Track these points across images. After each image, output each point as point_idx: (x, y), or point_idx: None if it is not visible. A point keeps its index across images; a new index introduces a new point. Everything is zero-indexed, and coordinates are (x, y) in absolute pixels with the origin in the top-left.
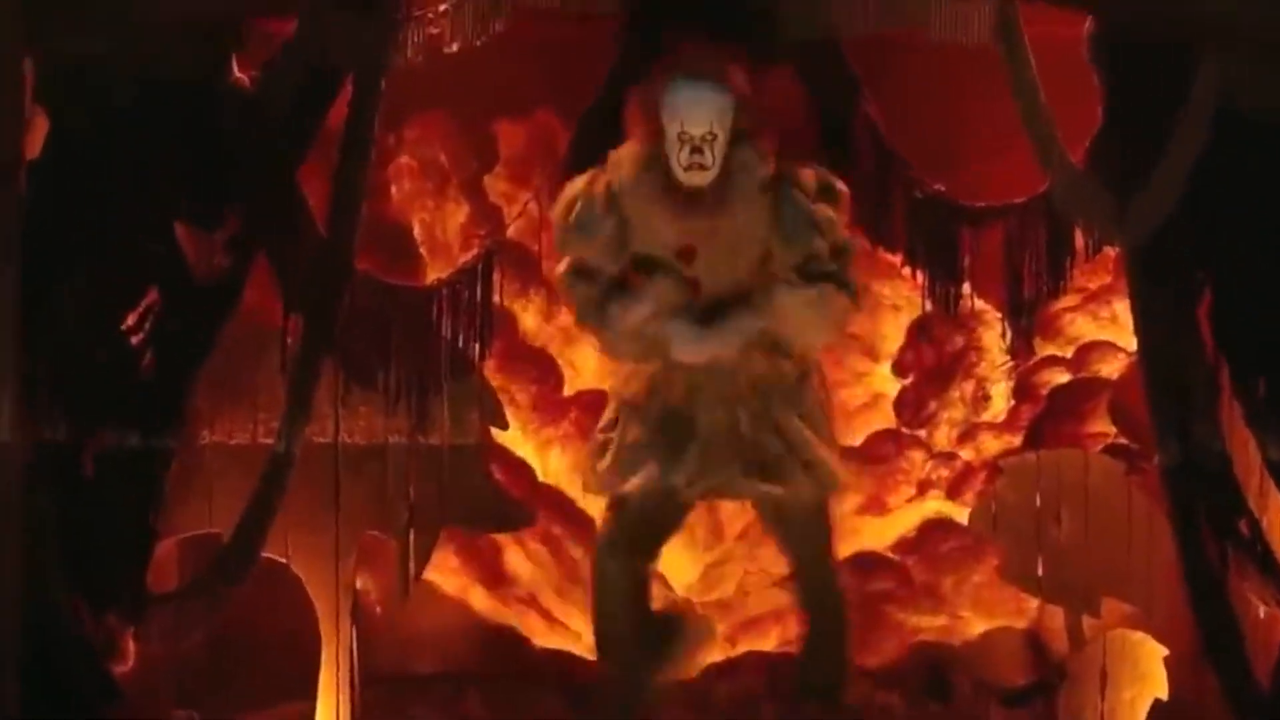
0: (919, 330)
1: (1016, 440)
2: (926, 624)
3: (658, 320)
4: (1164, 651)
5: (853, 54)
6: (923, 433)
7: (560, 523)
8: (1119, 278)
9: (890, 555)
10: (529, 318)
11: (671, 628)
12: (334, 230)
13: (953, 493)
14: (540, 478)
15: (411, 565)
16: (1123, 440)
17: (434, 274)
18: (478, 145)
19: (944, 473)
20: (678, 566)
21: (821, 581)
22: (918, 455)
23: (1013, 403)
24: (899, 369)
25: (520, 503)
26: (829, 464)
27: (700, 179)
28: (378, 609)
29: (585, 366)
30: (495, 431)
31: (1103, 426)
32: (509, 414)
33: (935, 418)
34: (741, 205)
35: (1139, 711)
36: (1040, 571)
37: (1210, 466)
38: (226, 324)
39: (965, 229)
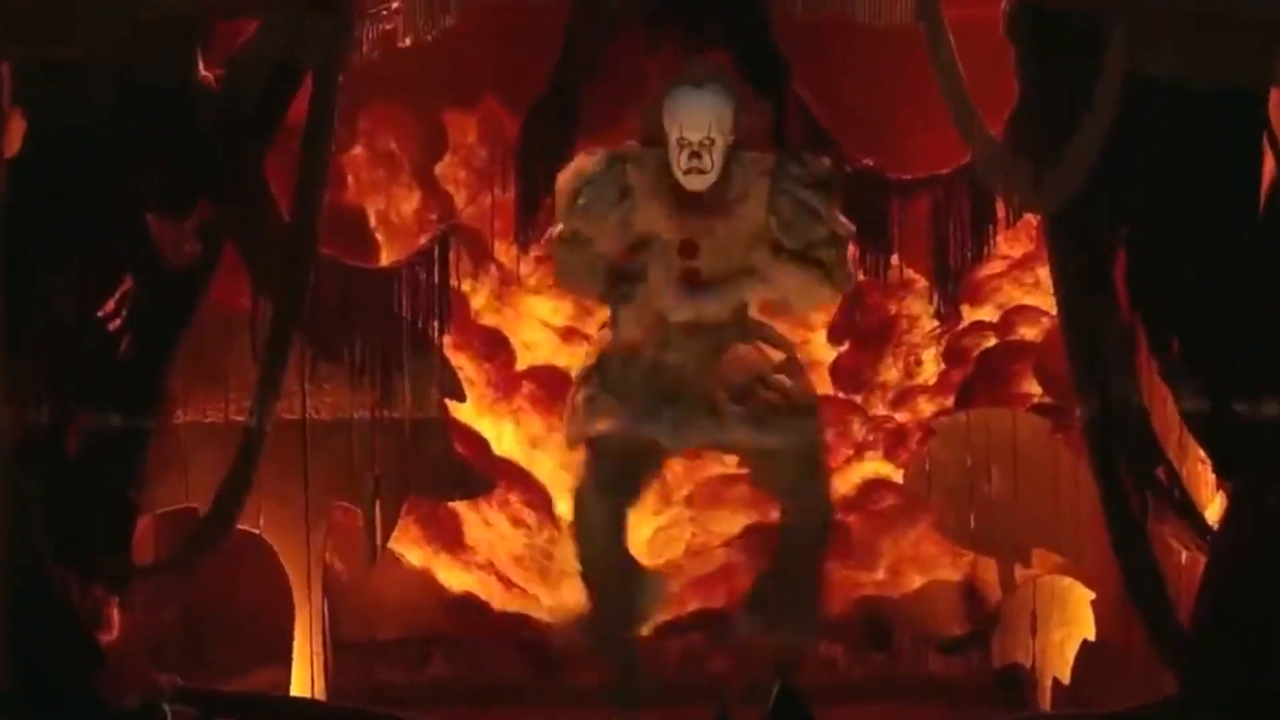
0: (852, 299)
1: (948, 402)
2: (866, 579)
3: (653, 289)
4: (1091, 595)
5: (783, 37)
6: (859, 397)
7: (516, 492)
8: (1040, 245)
9: None
10: (481, 297)
11: (648, 570)
12: (298, 217)
13: (889, 454)
14: (495, 450)
15: (378, 534)
16: (1048, 400)
17: (390, 257)
18: (427, 134)
19: (880, 435)
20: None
21: (819, 521)
22: (855, 419)
23: (943, 366)
24: (834, 337)
25: (480, 470)
26: (813, 407)
27: (699, 183)
28: (345, 578)
29: (536, 344)
30: (452, 406)
31: (1029, 387)
32: (466, 390)
33: (870, 383)
34: (740, 202)
35: (1068, 652)
36: (973, 525)
37: (1129, 419)
38: (198, 308)
39: (894, 200)
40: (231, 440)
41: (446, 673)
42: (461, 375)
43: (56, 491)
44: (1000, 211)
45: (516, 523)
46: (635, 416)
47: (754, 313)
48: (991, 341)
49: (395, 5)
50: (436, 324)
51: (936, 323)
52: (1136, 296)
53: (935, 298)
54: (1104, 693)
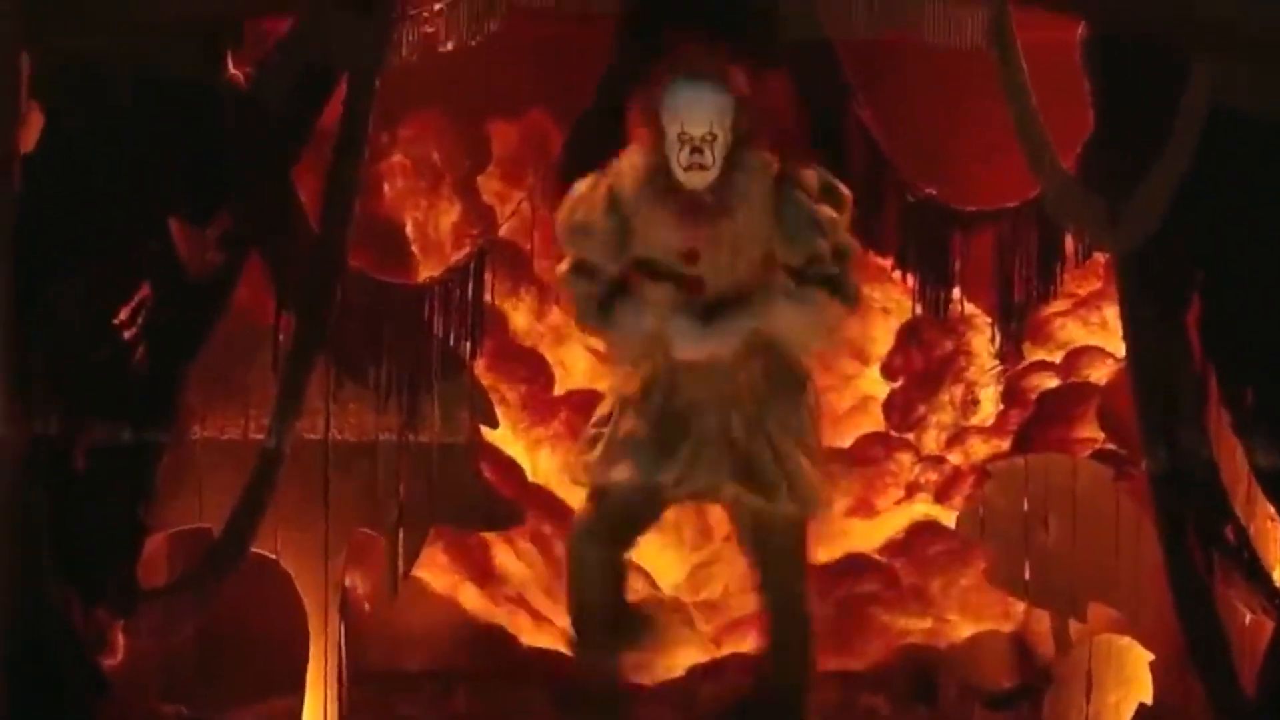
0: (909, 334)
1: (1005, 444)
2: (913, 626)
3: (658, 318)
4: (1150, 656)
5: (846, 57)
6: (911, 436)
7: (549, 522)
8: (1109, 283)
9: (878, 557)
10: (520, 317)
11: (644, 619)
12: (327, 227)
13: (941, 496)
14: (530, 477)
15: (400, 563)
16: (1111, 446)
17: (426, 272)
18: (471, 145)
19: (932, 476)
20: (665, 567)
21: (789, 600)
22: (906, 458)
23: (1001, 407)
24: (888, 372)
25: (510, 501)
26: (813, 484)
27: (700, 180)
28: (366, 606)
29: (576, 366)
30: (485, 430)
31: (1091, 432)
32: (499, 413)
33: (924, 421)
34: (743, 207)
35: (1124, 715)
36: (1027, 575)
37: (1197, 473)
38: (219, 320)
39: (956, 233)
40: (249, 459)
41: (470, 710)
42: (497, 398)
43: (62, 508)
44: (1069, 248)
45: (549, 554)
46: (646, 465)
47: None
48: (1053, 383)
49: (437, 8)
50: (469, 344)
51: (996, 361)
52: (1210, 344)
53: (996, 335)
54: None
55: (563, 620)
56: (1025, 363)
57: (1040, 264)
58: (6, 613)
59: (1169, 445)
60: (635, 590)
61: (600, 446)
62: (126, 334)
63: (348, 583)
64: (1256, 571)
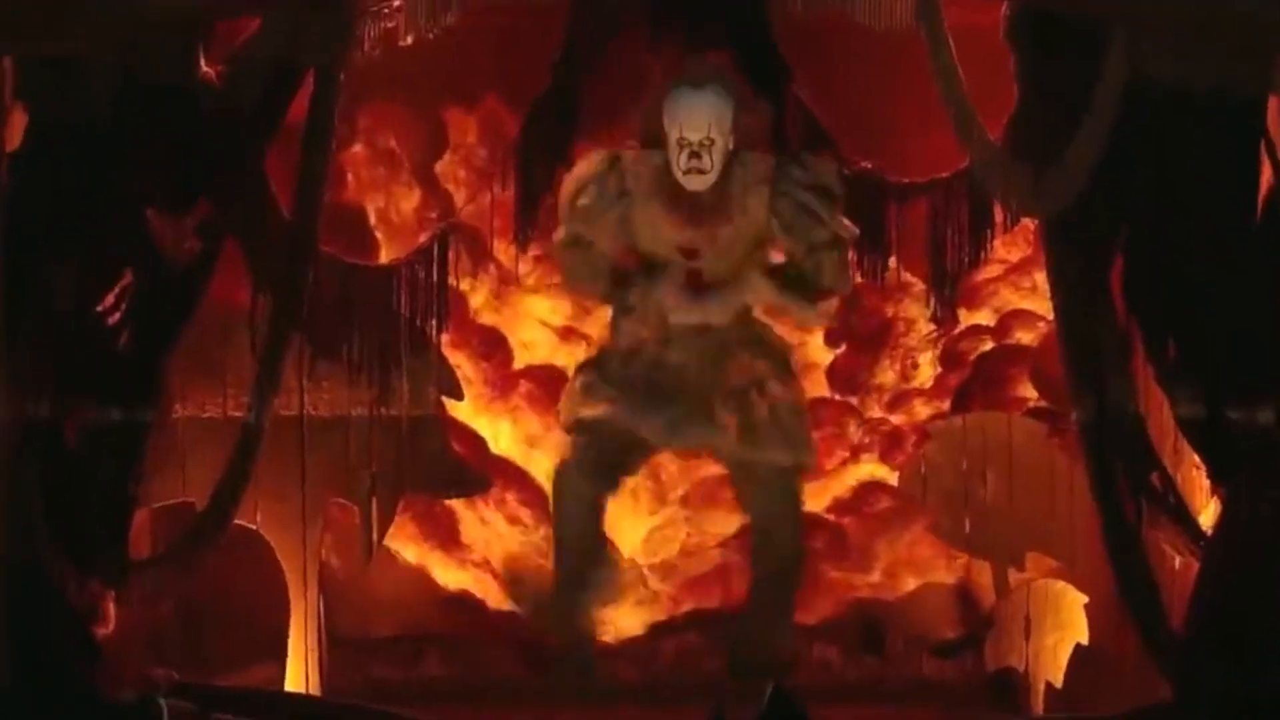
0: (849, 302)
1: (944, 405)
2: (861, 581)
3: (653, 289)
4: (1084, 599)
5: (783, 39)
6: (855, 399)
7: (513, 491)
8: (1038, 250)
9: (826, 516)
10: (480, 296)
11: (616, 561)
12: (298, 215)
13: (885, 456)
14: (492, 448)
15: (375, 531)
16: (1044, 404)
17: (389, 255)
18: (428, 133)
19: (876, 437)
20: (622, 530)
21: (784, 548)
22: (851, 421)
23: (940, 370)
24: (831, 339)
25: (477, 469)
26: (805, 437)
27: (699, 183)
28: (340, 574)
29: (534, 343)
30: (450, 404)
31: (1025, 391)
32: (463, 389)
33: (866, 385)
34: (741, 205)
35: (1061, 656)
36: (968, 529)
37: (1125, 425)
38: (198, 304)
39: (891, 204)
40: (229, 435)
41: (441, 671)
42: (459, 374)
43: (54, 485)
44: (998, 216)
45: (513, 521)
46: (629, 409)
47: (758, 313)
48: (988, 345)
49: (397, 3)
50: (435, 322)
51: (933, 326)
52: (1133, 302)
53: (932, 301)
54: (1097, 697)
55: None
56: (961, 327)
57: (971, 231)
58: (4, 585)
59: (1097, 398)
60: None
61: (580, 386)
62: (111, 319)
63: (323, 553)
64: (1183, 516)
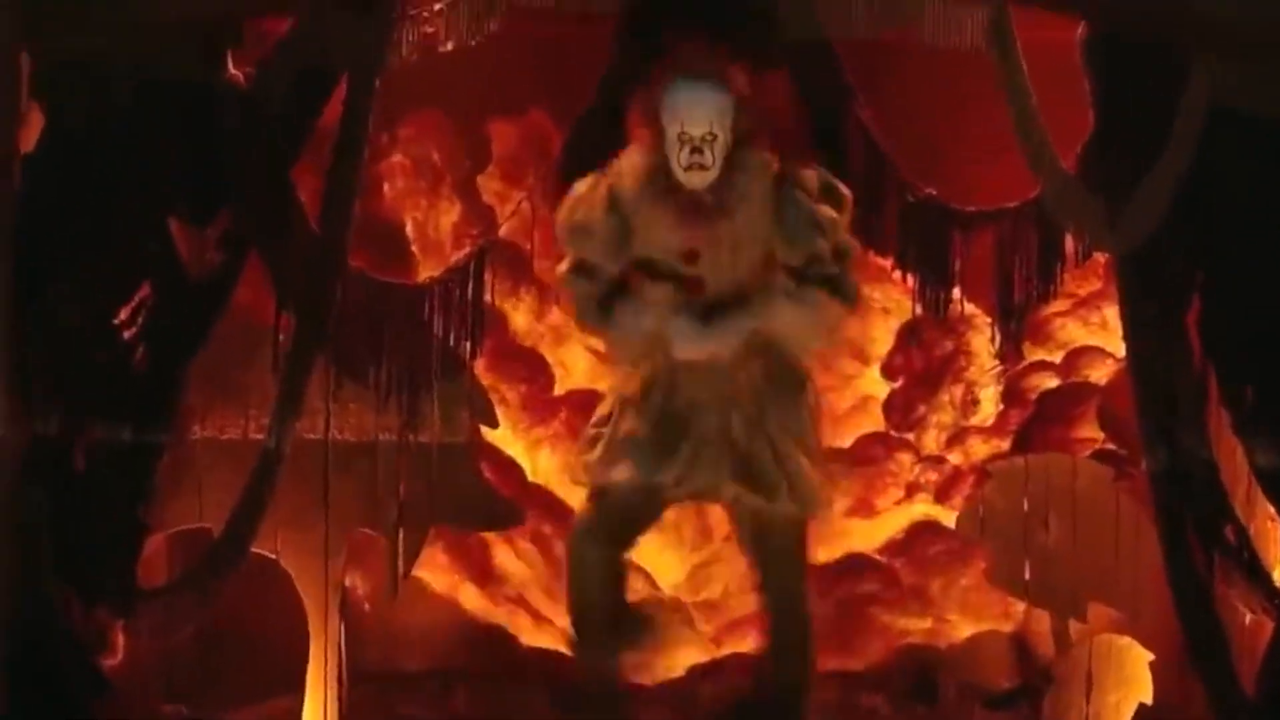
0: (909, 334)
1: (1005, 444)
2: (913, 626)
3: (659, 318)
4: (1150, 656)
5: (846, 57)
6: (911, 436)
7: (549, 522)
8: (1109, 283)
9: (878, 557)
10: (520, 317)
11: (644, 619)
12: (327, 227)
13: (941, 496)
14: (530, 477)
15: (400, 563)
16: (1111, 446)
17: (426, 272)
18: (471, 144)
19: (932, 476)
20: (665, 567)
21: (789, 600)
22: (906, 458)
23: (1001, 407)
24: (888, 372)
25: (510, 501)
26: (813, 484)
27: (700, 180)
28: (366, 606)
29: (576, 366)
30: (485, 430)
31: (1091, 432)
32: (499, 413)
33: (924, 421)
34: (743, 207)
35: (1124, 715)
36: (1027, 575)
37: (1197, 473)
38: (218, 319)
39: (956, 233)
40: (249, 459)
41: (470, 710)
42: (496, 398)
43: (62, 507)
44: (1069, 248)
45: (549, 554)
46: (640, 467)
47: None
48: (1053, 383)
49: (437, 7)
50: (469, 344)
51: (996, 361)
52: (1210, 344)
53: (996, 335)
54: None
55: (563, 620)
56: (1025, 363)
57: (1040, 264)
58: (6, 612)
59: (1169, 445)
60: (635, 590)
61: (600, 446)
62: (126, 334)
63: (348, 583)
64: (1256, 571)
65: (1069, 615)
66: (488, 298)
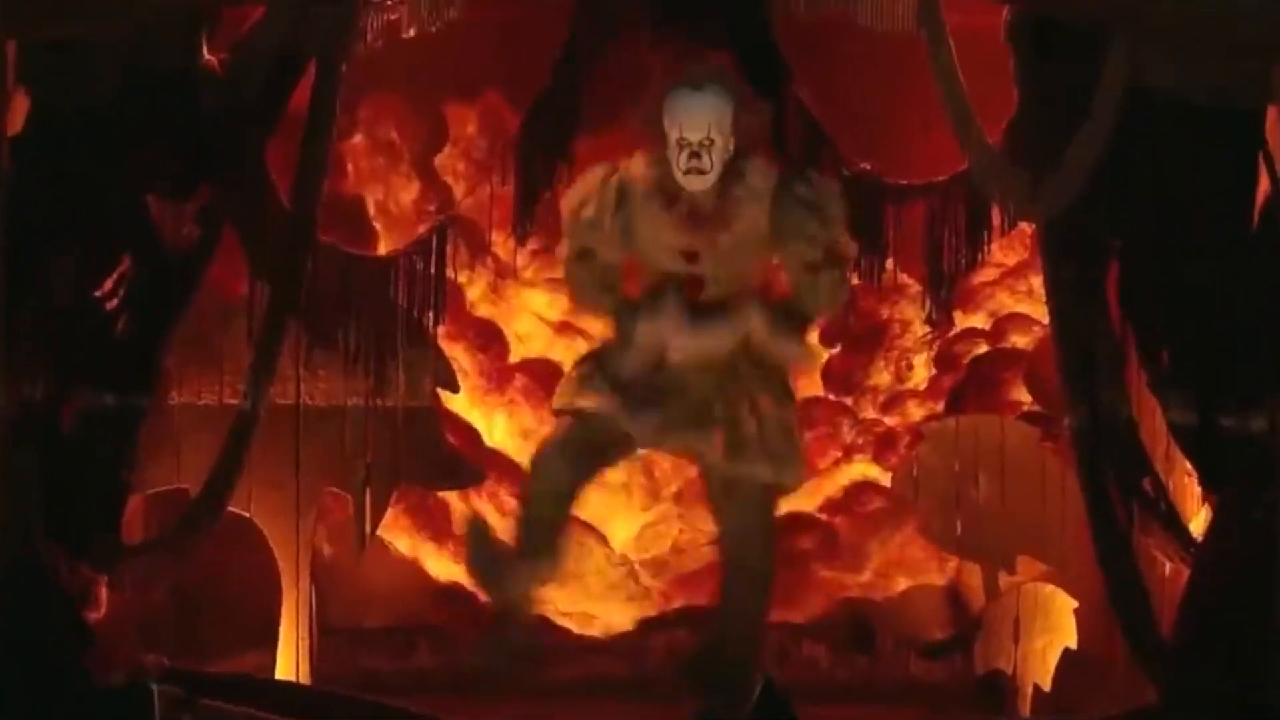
0: (846, 302)
1: (938, 407)
2: (851, 581)
3: (656, 315)
4: (1074, 604)
5: (784, 38)
6: (849, 400)
7: (506, 484)
8: (1034, 255)
9: (818, 515)
10: (477, 289)
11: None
12: (298, 204)
13: (878, 457)
14: (486, 441)
15: (367, 521)
16: (1038, 408)
17: (387, 246)
18: (428, 125)
19: (870, 437)
20: (615, 526)
21: (752, 559)
22: (844, 421)
23: (934, 372)
24: (826, 339)
25: (471, 461)
26: (790, 455)
27: (699, 184)
28: (333, 564)
29: (530, 336)
30: (446, 397)
31: (1019, 395)
32: (459, 381)
33: (861, 385)
34: (742, 213)
35: (1050, 659)
36: (959, 531)
37: (1118, 431)
38: (195, 291)
39: (889, 205)
40: (225, 423)
41: (432, 662)
42: (455, 366)
43: (49, 469)
44: (996, 219)
45: (505, 514)
46: (622, 405)
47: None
48: (983, 348)
49: None
50: (432, 314)
51: (929, 328)
52: (1128, 308)
53: (928, 303)
54: (1085, 701)
55: None
56: (956, 329)
57: (968, 234)
58: None
59: (1090, 403)
60: (588, 548)
61: (578, 376)
62: (109, 305)
63: (316, 542)
64: (1174, 523)
65: (999, 568)
66: (449, 271)
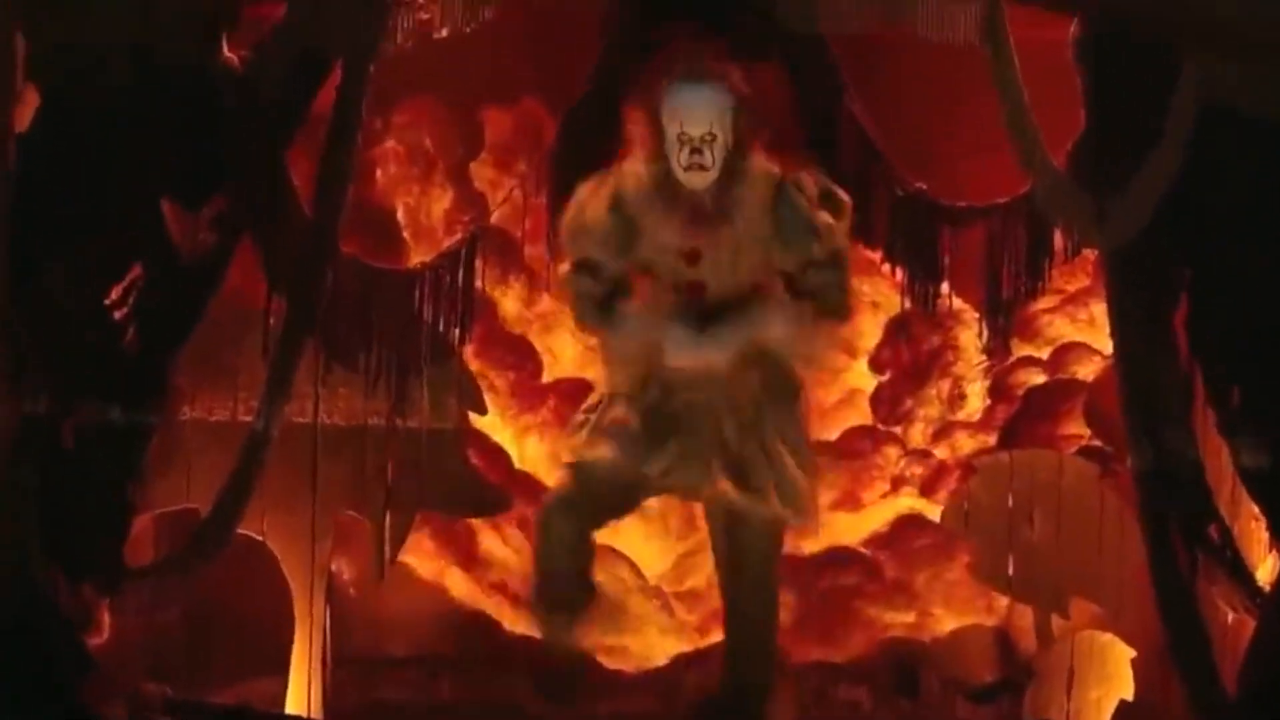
0: (897, 328)
1: (991, 439)
2: (897, 620)
3: (657, 324)
4: (1131, 653)
5: (839, 51)
6: (898, 429)
7: (535, 508)
8: (1097, 281)
9: (862, 550)
10: (509, 304)
11: (604, 597)
12: (319, 212)
13: (926, 490)
14: (517, 464)
15: (387, 547)
16: (1097, 443)
17: (417, 258)
18: (464, 132)
19: (918, 470)
20: (650, 556)
21: (756, 602)
22: (893, 451)
23: (988, 402)
24: (876, 366)
25: (496, 487)
26: (802, 490)
27: (700, 180)
28: (352, 590)
29: (564, 354)
30: (473, 417)
31: (1077, 428)
32: (487, 399)
33: (911, 415)
34: (743, 212)
35: (1105, 711)
36: (1011, 570)
37: (1183, 472)
38: (209, 301)
39: (945, 228)
40: (237, 440)
41: (453, 695)
42: (485, 384)
43: (49, 486)
44: (1058, 245)
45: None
46: (623, 451)
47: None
48: (1040, 379)
49: None
50: (458, 330)
51: (984, 356)
52: (1197, 344)
53: (984, 330)
54: None
55: None
56: (1012, 358)
57: (1029, 260)
58: None
59: (1155, 443)
60: (621, 580)
61: (586, 430)
62: (117, 314)
63: (334, 567)
64: (1239, 570)
65: (1052, 610)
66: (478, 284)
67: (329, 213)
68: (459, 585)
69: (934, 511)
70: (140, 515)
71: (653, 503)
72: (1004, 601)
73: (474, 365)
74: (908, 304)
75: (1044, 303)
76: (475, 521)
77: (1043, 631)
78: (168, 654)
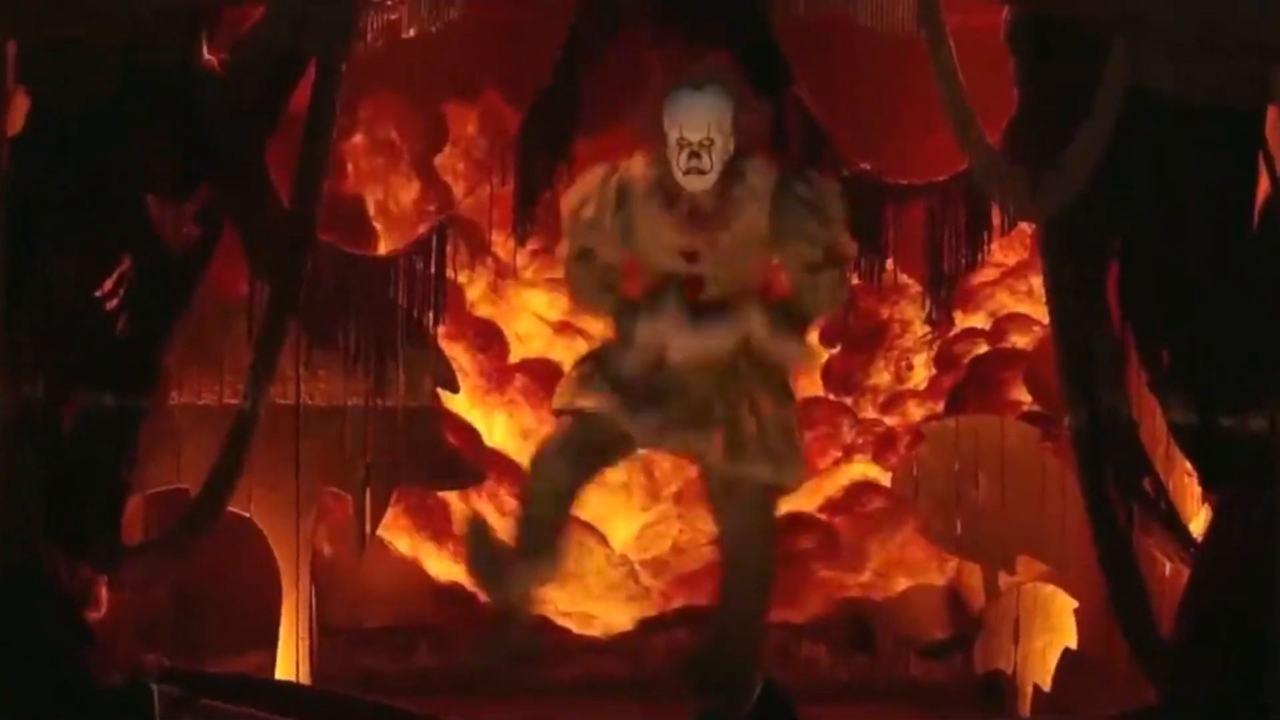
0: (846, 302)
1: (938, 407)
2: (851, 581)
3: (656, 315)
4: (1074, 604)
5: (784, 38)
6: (849, 400)
7: (506, 484)
8: (1035, 254)
9: (818, 515)
10: (476, 289)
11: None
12: (297, 203)
13: (878, 457)
14: (486, 442)
15: (367, 521)
16: (1037, 408)
17: (387, 246)
18: (427, 126)
19: (869, 438)
20: (615, 526)
21: (752, 560)
22: (844, 421)
23: (934, 372)
24: (826, 339)
25: (471, 462)
26: (791, 457)
27: (699, 184)
28: (334, 564)
29: (530, 336)
30: (446, 397)
31: (1019, 395)
32: (459, 381)
33: (861, 386)
34: (742, 213)
35: (1049, 660)
36: (959, 531)
37: (1118, 430)
38: (196, 291)
39: (889, 205)
40: (225, 423)
41: (433, 662)
42: (455, 366)
43: (49, 469)
44: (996, 219)
45: (505, 514)
46: (623, 405)
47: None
48: (983, 348)
49: None
50: (432, 314)
51: (929, 328)
52: (1128, 308)
53: (928, 303)
54: (1084, 701)
55: None
56: (956, 329)
57: (968, 234)
58: None
59: (1090, 403)
60: (589, 549)
61: (579, 376)
62: (109, 304)
63: (316, 542)
64: (1174, 523)
65: (999, 568)
66: (449, 271)
67: (307, 204)
68: (434, 559)
69: (885, 477)
70: (134, 495)
71: (617, 474)
72: (954, 562)
73: (445, 348)
74: (855, 279)
75: (985, 275)
76: (449, 498)
77: (990, 588)
78: (162, 628)
